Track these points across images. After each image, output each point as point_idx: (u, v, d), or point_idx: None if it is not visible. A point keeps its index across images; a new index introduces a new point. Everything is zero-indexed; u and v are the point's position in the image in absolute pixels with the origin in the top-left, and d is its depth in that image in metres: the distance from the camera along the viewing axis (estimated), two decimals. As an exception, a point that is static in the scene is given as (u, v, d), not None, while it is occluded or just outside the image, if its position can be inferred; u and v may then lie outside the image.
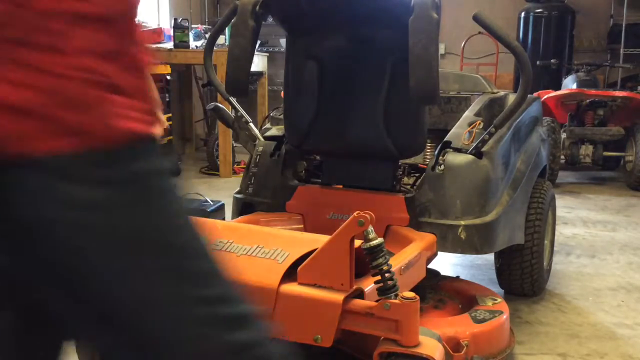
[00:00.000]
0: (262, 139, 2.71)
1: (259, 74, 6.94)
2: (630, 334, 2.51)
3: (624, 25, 7.44)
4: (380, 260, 1.62)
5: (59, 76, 0.75)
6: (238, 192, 2.69)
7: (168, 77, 5.81)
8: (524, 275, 2.76)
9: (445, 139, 2.44)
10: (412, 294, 1.60)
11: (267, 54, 7.38)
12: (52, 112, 0.75)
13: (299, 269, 1.71)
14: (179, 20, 6.02)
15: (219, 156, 5.95)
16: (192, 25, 6.31)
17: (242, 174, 2.80)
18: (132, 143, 0.81)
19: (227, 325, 0.87)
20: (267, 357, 0.91)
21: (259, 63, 6.79)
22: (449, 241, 2.26)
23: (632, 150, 5.61)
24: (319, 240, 1.74)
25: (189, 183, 5.65)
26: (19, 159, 0.75)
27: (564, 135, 5.78)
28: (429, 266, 2.24)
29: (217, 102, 3.04)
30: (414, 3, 2.06)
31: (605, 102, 5.73)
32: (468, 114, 2.66)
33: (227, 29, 4.07)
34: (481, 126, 2.49)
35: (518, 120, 2.68)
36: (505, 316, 2.17)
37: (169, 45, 6.09)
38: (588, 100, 5.73)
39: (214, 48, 2.85)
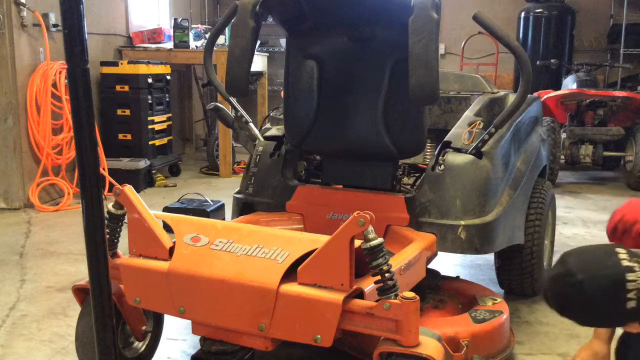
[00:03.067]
0: (262, 139, 2.71)
1: (259, 74, 6.94)
2: (630, 334, 2.51)
3: (624, 25, 7.44)
4: (380, 260, 1.62)
5: None
6: (238, 192, 2.69)
7: (168, 77, 5.81)
8: (524, 275, 2.76)
9: (445, 139, 2.44)
10: (412, 294, 1.60)
11: (267, 54, 7.38)
12: None
13: (299, 269, 1.71)
14: (179, 20, 6.03)
15: (219, 156, 5.95)
16: (192, 25, 6.31)
17: (242, 174, 2.80)
18: None
19: None
20: None
21: (259, 63, 6.79)
22: (449, 241, 2.26)
23: (632, 150, 5.62)
24: (319, 240, 1.74)
25: (189, 183, 5.66)
26: None
27: (564, 135, 5.78)
28: (429, 266, 2.24)
29: (217, 102, 3.03)
30: (414, 3, 2.06)
31: (605, 102, 5.73)
32: (468, 114, 2.65)
33: (227, 29, 4.07)
34: (481, 126, 2.49)
35: (518, 120, 2.68)
36: (505, 316, 2.17)
37: (169, 45, 6.09)
38: (588, 100, 5.73)
39: (214, 48, 2.85)
